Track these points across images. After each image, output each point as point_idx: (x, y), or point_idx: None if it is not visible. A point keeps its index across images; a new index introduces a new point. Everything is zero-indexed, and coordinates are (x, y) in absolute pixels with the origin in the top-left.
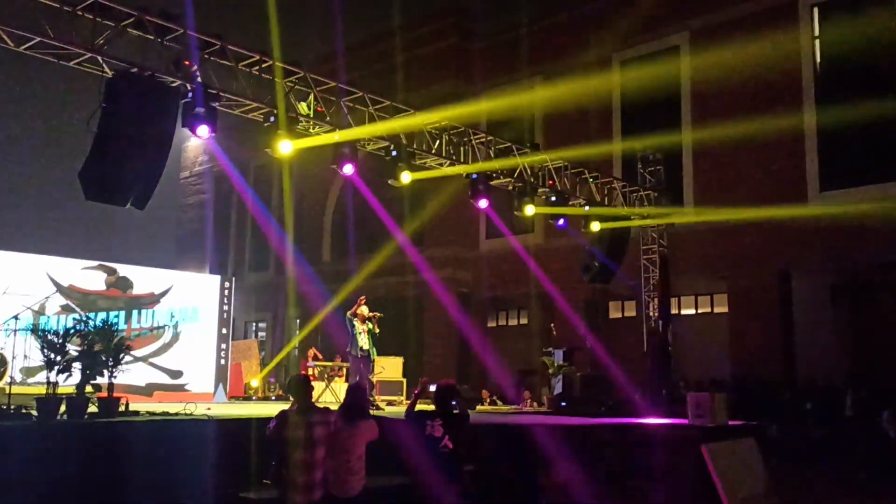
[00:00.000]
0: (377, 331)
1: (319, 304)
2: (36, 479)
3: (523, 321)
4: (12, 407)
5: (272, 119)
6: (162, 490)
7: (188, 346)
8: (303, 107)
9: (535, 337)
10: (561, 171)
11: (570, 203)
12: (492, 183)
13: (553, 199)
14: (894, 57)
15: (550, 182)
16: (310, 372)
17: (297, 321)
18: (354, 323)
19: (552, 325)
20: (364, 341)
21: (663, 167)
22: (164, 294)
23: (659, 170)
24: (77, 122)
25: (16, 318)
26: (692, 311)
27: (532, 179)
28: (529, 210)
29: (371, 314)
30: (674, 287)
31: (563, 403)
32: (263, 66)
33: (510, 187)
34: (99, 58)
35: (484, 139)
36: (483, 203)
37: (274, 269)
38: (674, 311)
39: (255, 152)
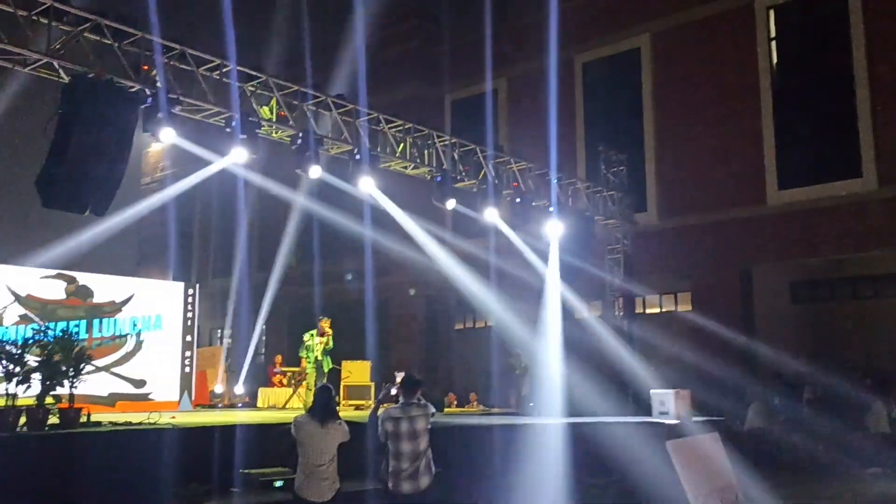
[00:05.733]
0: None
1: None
2: None
3: (490, 323)
4: None
5: (233, 124)
6: (125, 501)
7: (151, 354)
8: (265, 111)
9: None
10: (525, 173)
11: (534, 204)
12: (456, 186)
13: (518, 200)
14: (846, 57)
15: (515, 184)
16: (276, 379)
17: (263, 327)
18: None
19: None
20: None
21: (626, 167)
22: (125, 302)
23: (622, 170)
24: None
25: None
26: (657, 311)
27: (496, 181)
28: (494, 215)
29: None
30: (638, 286)
31: (532, 403)
32: (224, 70)
33: (474, 189)
34: (55, 63)
35: (448, 142)
36: (450, 204)
37: (238, 274)
38: (638, 310)
39: (219, 156)
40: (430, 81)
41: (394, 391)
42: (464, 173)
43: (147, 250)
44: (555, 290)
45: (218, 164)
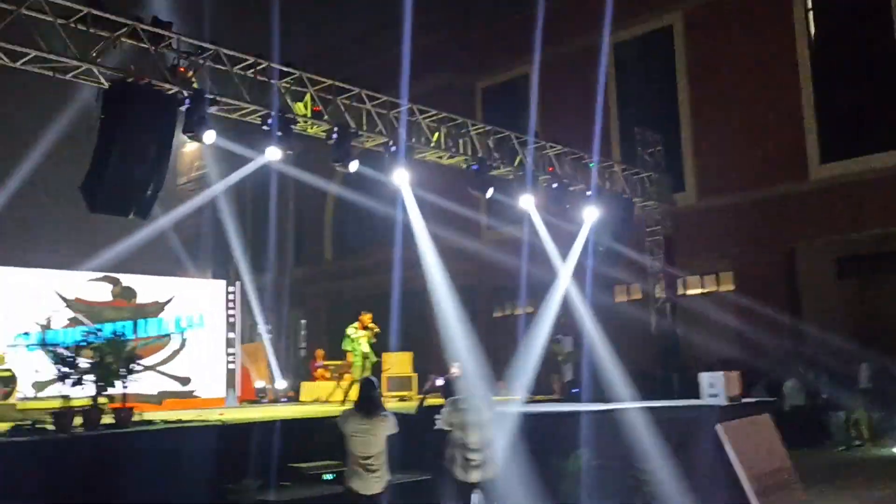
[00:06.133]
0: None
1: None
2: (57, 493)
3: (529, 310)
4: (27, 422)
5: (270, 122)
6: (179, 497)
7: (195, 352)
8: (299, 107)
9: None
10: (561, 157)
11: (571, 189)
12: (492, 173)
13: (554, 185)
14: (888, 24)
15: (551, 168)
16: (318, 373)
17: (303, 322)
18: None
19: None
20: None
21: (662, 148)
22: (168, 302)
23: (658, 150)
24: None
25: (26, 335)
26: (698, 291)
27: (532, 168)
28: (530, 202)
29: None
30: (679, 268)
31: (575, 391)
32: (258, 68)
33: (510, 176)
34: (94, 69)
35: (483, 129)
36: (489, 193)
37: (276, 270)
38: (680, 291)
39: (256, 154)
40: (461, 70)
41: (439, 381)
42: (499, 161)
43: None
44: (567, 273)
45: (254, 163)
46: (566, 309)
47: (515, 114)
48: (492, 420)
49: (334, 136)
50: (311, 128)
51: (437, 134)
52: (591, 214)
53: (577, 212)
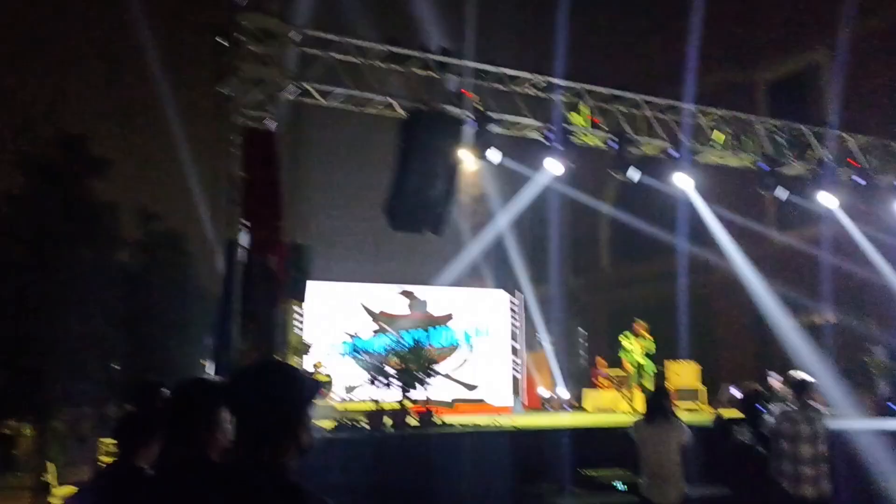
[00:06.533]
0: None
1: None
2: (375, 482)
3: (829, 318)
4: (346, 421)
5: (549, 135)
6: (475, 496)
7: (482, 360)
8: (577, 118)
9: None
10: (865, 148)
11: (878, 183)
12: (781, 169)
13: (858, 179)
14: None
15: (852, 161)
16: (600, 381)
17: (583, 331)
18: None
19: (867, 317)
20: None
21: None
22: (456, 312)
23: None
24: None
25: (353, 335)
26: None
27: (830, 161)
28: (832, 202)
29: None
30: None
31: (893, 406)
32: (538, 84)
33: (804, 173)
34: (392, 101)
35: (770, 125)
36: (781, 193)
37: (555, 280)
38: None
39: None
40: (739, 64)
41: (737, 393)
42: (791, 157)
43: (469, 263)
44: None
45: (542, 179)
46: (880, 317)
47: (802, 107)
48: (825, 434)
49: (613, 144)
50: (590, 138)
51: (719, 134)
52: None
53: (885, 207)
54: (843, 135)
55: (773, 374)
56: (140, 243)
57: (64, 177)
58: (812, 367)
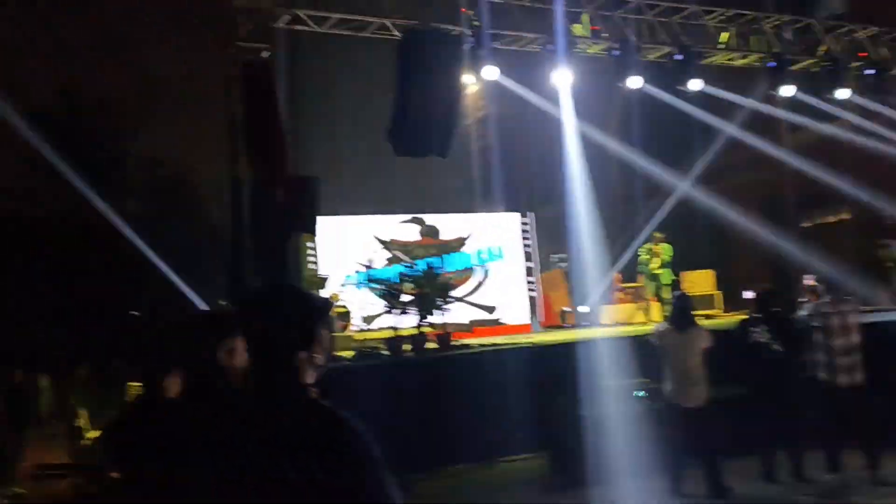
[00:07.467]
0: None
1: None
2: (395, 406)
3: (844, 216)
4: (367, 349)
5: (551, 47)
6: (496, 413)
7: (498, 282)
8: (577, 28)
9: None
10: (877, 39)
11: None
12: (792, 68)
13: (871, 72)
14: None
15: (863, 54)
16: (617, 296)
17: (596, 248)
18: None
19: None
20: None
21: None
22: (469, 237)
23: None
24: (378, 90)
25: (367, 266)
26: None
27: (840, 55)
28: (844, 95)
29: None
30: None
31: None
32: None
33: (814, 69)
34: (387, 23)
35: (778, 21)
36: (789, 91)
37: (564, 201)
38: None
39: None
40: None
41: (749, 294)
42: (801, 53)
43: (477, 186)
44: None
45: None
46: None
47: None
48: (857, 325)
49: (616, 53)
50: (592, 47)
51: (725, 34)
52: None
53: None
54: (853, 27)
55: (807, 277)
56: (148, 190)
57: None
58: (826, 265)
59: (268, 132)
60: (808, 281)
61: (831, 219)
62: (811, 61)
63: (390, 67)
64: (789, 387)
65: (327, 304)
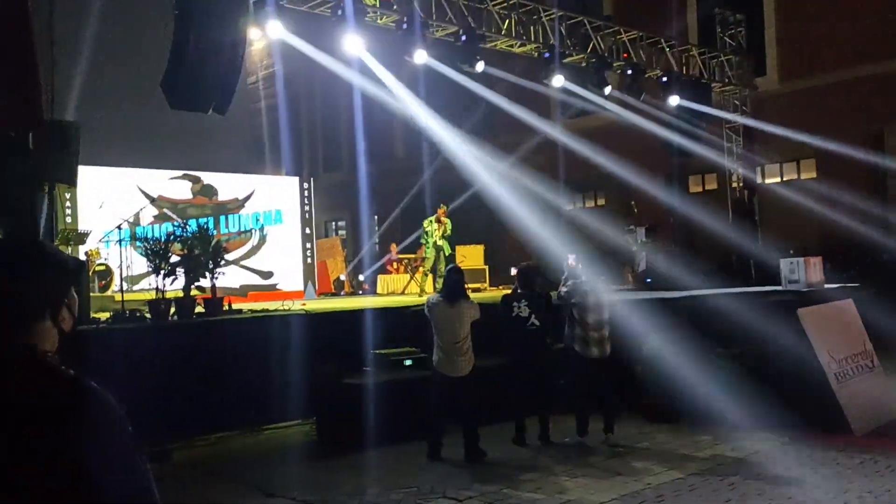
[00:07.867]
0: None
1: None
2: (158, 375)
3: (600, 202)
4: (127, 311)
5: (339, 12)
6: (268, 378)
7: (275, 247)
8: None
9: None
10: (636, 42)
11: (647, 75)
12: (564, 61)
13: (629, 72)
14: None
15: (625, 55)
16: (393, 266)
17: (376, 218)
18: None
19: (633, 202)
20: (437, 238)
21: (744, 29)
22: (247, 199)
23: (740, 32)
24: (155, 35)
25: (119, 227)
26: (778, 180)
27: (606, 54)
28: (607, 90)
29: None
30: (759, 155)
31: (648, 280)
32: None
33: (583, 64)
34: None
35: (554, 15)
36: (558, 81)
37: (347, 168)
38: (758, 180)
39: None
40: None
41: (514, 270)
42: (572, 48)
43: (261, 148)
44: None
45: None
46: (639, 199)
47: (587, 2)
48: (607, 304)
49: (403, 26)
50: (382, 18)
51: (507, 21)
52: (670, 101)
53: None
54: (620, 29)
55: (571, 255)
56: None
57: None
58: (578, 246)
59: (18, 66)
60: (570, 260)
61: (590, 204)
62: (581, 56)
63: (168, 7)
64: (545, 358)
65: (78, 263)
